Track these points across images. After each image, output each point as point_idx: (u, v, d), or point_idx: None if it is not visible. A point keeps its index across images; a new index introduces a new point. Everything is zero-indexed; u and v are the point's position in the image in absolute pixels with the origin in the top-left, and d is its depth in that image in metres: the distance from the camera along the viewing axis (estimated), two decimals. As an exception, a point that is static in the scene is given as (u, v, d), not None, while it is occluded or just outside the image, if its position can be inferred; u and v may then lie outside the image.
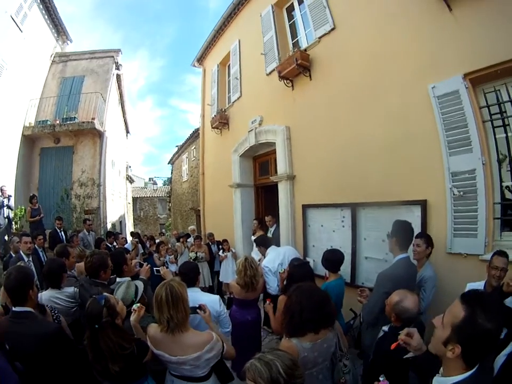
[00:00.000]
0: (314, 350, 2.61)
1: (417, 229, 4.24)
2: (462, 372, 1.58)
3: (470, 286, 3.36)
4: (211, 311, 3.36)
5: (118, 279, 3.96)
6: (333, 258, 4.44)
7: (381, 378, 2.02)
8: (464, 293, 1.66)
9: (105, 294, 2.81)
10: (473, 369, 1.57)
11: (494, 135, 4.14)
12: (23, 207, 11.12)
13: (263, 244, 6.05)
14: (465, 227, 4.17)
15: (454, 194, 4.22)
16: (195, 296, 3.52)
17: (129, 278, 3.85)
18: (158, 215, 36.19)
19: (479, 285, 3.30)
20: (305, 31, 7.48)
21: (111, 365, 2.40)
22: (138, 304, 2.96)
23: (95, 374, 2.56)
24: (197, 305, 3.11)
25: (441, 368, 1.74)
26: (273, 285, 5.22)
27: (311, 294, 2.72)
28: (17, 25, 11.78)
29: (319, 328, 2.61)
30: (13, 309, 2.72)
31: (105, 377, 2.52)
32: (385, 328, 2.97)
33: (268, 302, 4.18)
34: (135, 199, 33.95)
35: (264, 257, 5.85)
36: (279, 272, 4.85)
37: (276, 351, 1.99)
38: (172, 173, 26.71)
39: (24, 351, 2.49)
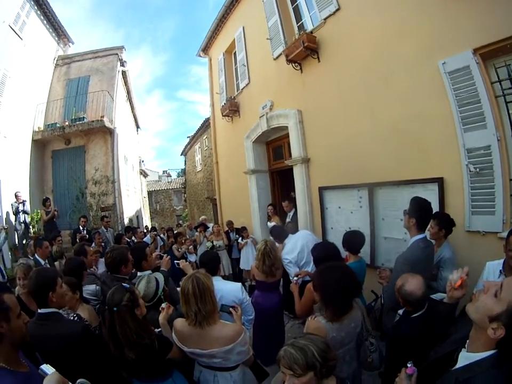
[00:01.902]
0: (342, 329, 2.63)
1: (435, 208, 4.16)
2: (488, 349, 1.53)
3: (490, 265, 3.31)
4: (233, 299, 3.44)
5: (138, 273, 3.99)
6: (352, 240, 4.45)
7: (408, 365, 2.01)
8: None
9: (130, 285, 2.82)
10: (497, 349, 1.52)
11: (507, 110, 4.06)
12: (39, 211, 11.30)
13: (278, 236, 6.01)
14: (482, 204, 4.13)
15: (470, 171, 4.17)
16: (217, 285, 3.57)
17: (150, 272, 3.88)
18: (174, 207, 36.29)
19: (499, 263, 3.22)
20: (309, 13, 7.35)
21: (127, 351, 2.40)
22: (166, 303, 2.98)
23: (116, 364, 2.58)
24: (230, 305, 3.12)
25: (467, 342, 1.69)
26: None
27: (341, 271, 2.74)
28: (16, 33, 11.83)
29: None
30: (38, 311, 2.73)
31: (124, 366, 2.54)
32: (400, 311, 2.99)
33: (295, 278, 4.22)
34: (150, 193, 34.20)
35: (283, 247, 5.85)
36: (296, 278, 4.80)
37: (308, 335, 2.02)
38: (185, 164, 26.70)
39: (50, 353, 2.47)
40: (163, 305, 2.96)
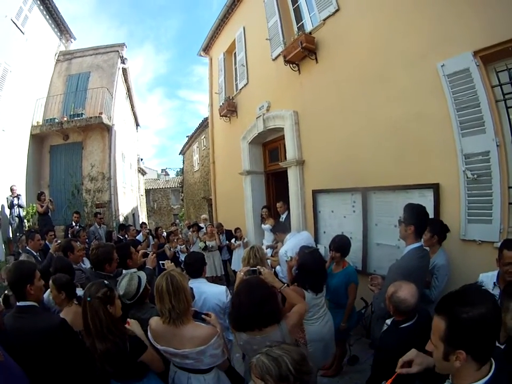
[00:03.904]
0: (253, 343, 2.60)
1: (430, 214, 4.05)
2: (478, 376, 1.47)
3: (483, 277, 3.20)
4: (217, 302, 3.40)
5: (124, 271, 3.95)
6: (346, 244, 4.61)
7: None
8: (436, 306, 1.59)
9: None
10: (490, 374, 1.46)
11: (508, 115, 3.93)
12: (34, 205, 11.27)
13: (283, 230, 6.01)
14: (479, 212, 4.00)
15: (467, 178, 4.05)
16: (201, 287, 3.54)
17: (134, 270, 3.86)
18: (172, 206, 36.31)
19: (493, 275, 3.12)
20: (309, 14, 7.29)
21: (97, 343, 2.42)
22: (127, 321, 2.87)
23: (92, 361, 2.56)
24: (202, 312, 3.03)
25: (450, 377, 1.61)
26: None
27: (253, 289, 2.66)
28: (18, 28, 11.86)
29: (257, 326, 2.56)
30: (17, 303, 2.77)
31: (96, 357, 2.51)
32: (388, 321, 2.89)
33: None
34: (148, 191, 34.25)
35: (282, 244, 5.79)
36: (286, 260, 4.74)
37: (284, 345, 1.88)
38: (183, 163, 26.79)
39: (26, 346, 2.51)
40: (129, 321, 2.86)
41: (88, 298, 2.48)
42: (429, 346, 1.62)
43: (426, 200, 4.51)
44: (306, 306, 3.20)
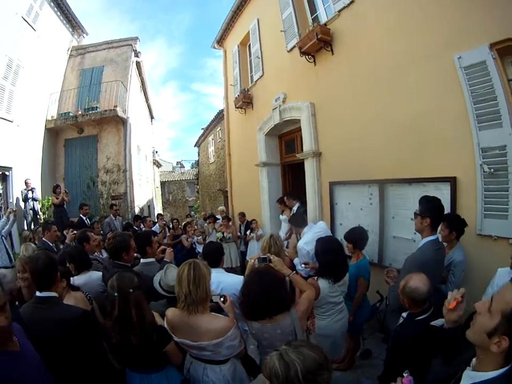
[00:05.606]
0: (264, 331, 2.67)
1: (446, 209, 3.98)
2: (497, 367, 1.41)
3: (501, 271, 3.20)
4: (234, 292, 3.33)
5: (142, 260, 4.03)
6: (365, 237, 4.68)
7: (404, 374, 1.91)
8: None
9: None
10: (509, 366, 1.40)
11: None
12: (50, 198, 11.42)
13: (299, 224, 6.06)
14: (495, 207, 3.96)
15: (484, 172, 4.01)
16: (218, 276, 3.53)
17: (153, 260, 4.03)
18: (187, 198, 36.29)
19: (510, 270, 3.12)
20: (324, 5, 7.23)
21: (133, 337, 2.41)
22: None
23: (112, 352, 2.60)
24: (218, 294, 3.07)
25: (473, 360, 1.56)
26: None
27: (262, 278, 2.71)
28: (29, 24, 11.88)
29: (268, 315, 2.62)
30: (37, 294, 2.68)
31: (119, 354, 2.56)
32: (404, 314, 2.88)
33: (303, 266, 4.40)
34: (163, 183, 34.34)
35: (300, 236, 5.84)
36: (303, 267, 4.74)
37: (303, 348, 1.74)
38: (198, 155, 26.71)
39: (48, 336, 2.44)
40: None
41: (131, 290, 2.48)
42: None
43: (442, 193, 4.47)
44: (315, 292, 3.26)
